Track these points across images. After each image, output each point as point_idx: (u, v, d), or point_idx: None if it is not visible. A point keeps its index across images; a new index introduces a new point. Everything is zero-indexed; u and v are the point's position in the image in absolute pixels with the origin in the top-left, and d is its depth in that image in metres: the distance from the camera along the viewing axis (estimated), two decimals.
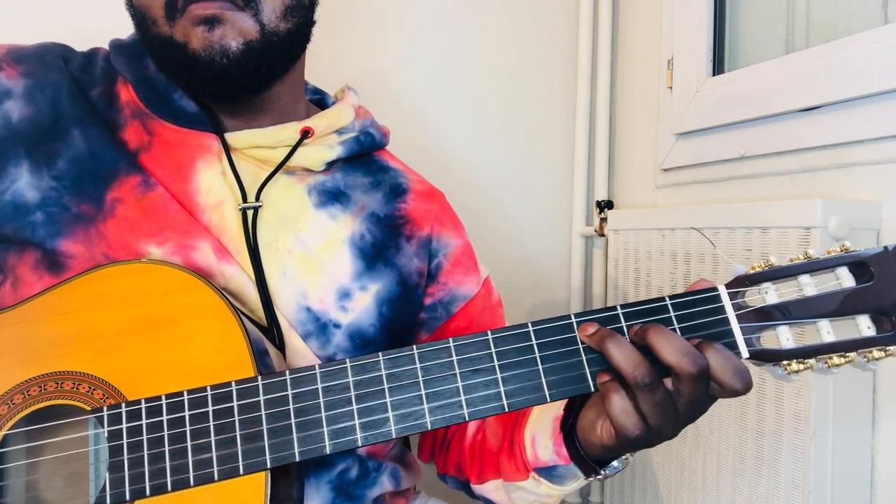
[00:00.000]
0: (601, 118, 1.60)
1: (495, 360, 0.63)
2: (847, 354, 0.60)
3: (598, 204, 1.59)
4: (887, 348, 0.59)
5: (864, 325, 0.60)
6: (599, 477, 0.72)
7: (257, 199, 0.79)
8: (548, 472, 0.75)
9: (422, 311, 0.89)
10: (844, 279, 0.62)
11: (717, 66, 1.32)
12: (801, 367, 0.61)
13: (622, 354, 0.60)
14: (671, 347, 0.59)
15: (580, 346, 0.63)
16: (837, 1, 1.17)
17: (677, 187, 1.40)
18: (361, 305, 0.81)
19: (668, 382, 0.61)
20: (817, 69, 1.05)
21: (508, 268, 1.59)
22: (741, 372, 0.60)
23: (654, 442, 0.64)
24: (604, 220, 1.51)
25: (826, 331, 0.61)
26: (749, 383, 0.60)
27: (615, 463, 0.71)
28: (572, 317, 0.63)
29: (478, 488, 0.86)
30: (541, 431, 0.75)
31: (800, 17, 1.24)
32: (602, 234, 1.52)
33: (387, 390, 0.62)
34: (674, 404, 0.61)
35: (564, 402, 0.74)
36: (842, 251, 0.62)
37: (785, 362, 0.61)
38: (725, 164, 1.26)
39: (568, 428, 0.72)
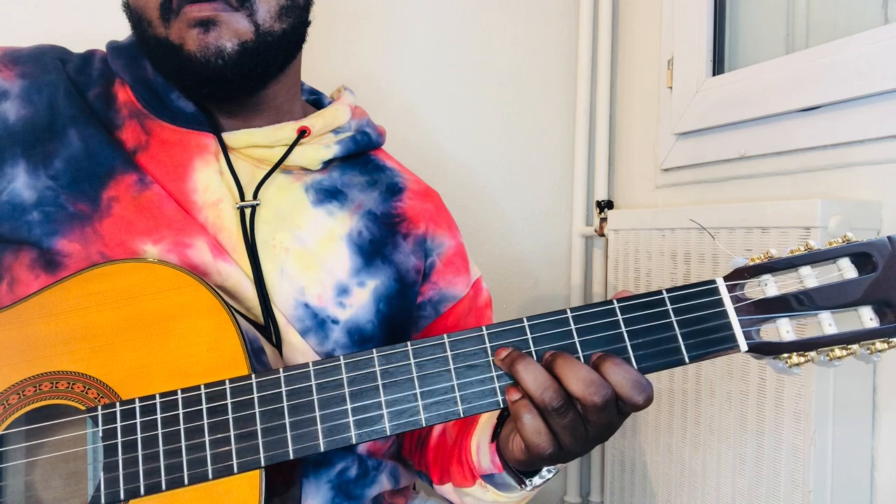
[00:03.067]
0: (601, 118, 1.60)
1: (490, 355, 0.62)
2: (849, 346, 0.59)
3: (598, 204, 1.59)
4: (890, 340, 0.58)
5: (866, 317, 0.59)
6: (528, 487, 0.72)
7: (255, 197, 0.79)
8: (491, 480, 0.75)
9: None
10: (847, 270, 0.61)
11: (717, 66, 1.32)
12: (802, 359, 0.60)
13: (530, 377, 0.60)
14: (575, 378, 0.59)
15: (576, 340, 0.62)
16: (837, 1, 1.17)
17: (677, 187, 1.40)
18: (359, 301, 0.81)
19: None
20: (817, 69, 1.05)
21: (508, 267, 1.59)
22: (641, 385, 0.59)
23: (566, 459, 0.64)
24: (604, 220, 1.51)
25: (828, 323, 0.60)
26: (649, 396, 0.60)
27: (544, 471, 0.71)
28: (568, 311, 0.63)
29: (438, 489, 0.86)
30: (483, 439, 0.75)
31: (800, 17, 1.24)
32: (602, 234, 1.52)
33: (381, 387, 0.62)
34: (584, 426, 0.61)
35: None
36: (844, 242, 0.61)
37: (785, 355, 0.60)
38: (725, 164, 1.26)
39: (498, 436, 0.73)
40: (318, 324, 0.79)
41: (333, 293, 0.80)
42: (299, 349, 0.77)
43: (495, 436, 0.73)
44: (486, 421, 0.77)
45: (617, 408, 0.61)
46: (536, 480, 0.71)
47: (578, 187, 1.62)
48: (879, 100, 0.96)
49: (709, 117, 1.27)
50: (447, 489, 0.84)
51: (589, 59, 1.60)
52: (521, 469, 0.70)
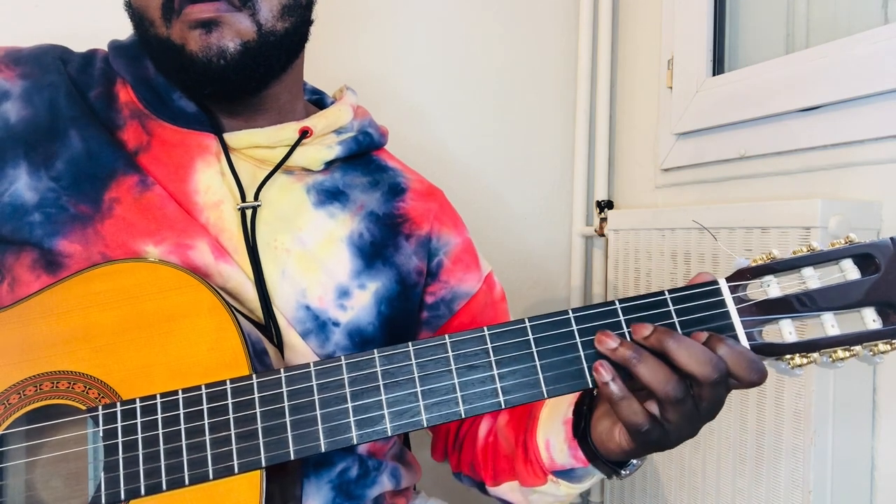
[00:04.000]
0: (601, 118, 1.60)
1: (491, 355, 0.62)
2: (852, 348, 0.59)
3: (598, 204, 1.59)
4: (893, 341, 0.58)
5: (869, 318, 0.59)
6: (623, 475, 0.72)
7: (256, 198, 0.79)
8: (566, 474, 0.75)
9: (423, 309, 0.89)
10: (849, 271, 0.61)
11: (717, 66, 1.32)
12: (805, 360, 0.60)
13: (650, 372, 0.59)
14: (692, 357, 0.59)
15: (578, 341, 0.62)
16: (837, 1, 1.17)
17: (677, 187, 1.40)
18: (360, 304, 0.81)
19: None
20: (817, 69, 1.05)
21: (508, 268, 1.59)
22: (755, 363, 0.60)
23: (676, 443, 0.64)
24: (604, 220, 1.51)
25: (830, 324, 0.60)
26: (764, 373, 0.60)
27: (635, 461, 0.71)
28: (569, 312, 0.63)
29: (493, 490, 0.86)
30: (554, 435, 0.75)
31: (800, 16, 1.24)
32: (602, 234, 1.52)
33: (382, 387, 0.62)
34: (697, 408, 0.61)
35: (572, 404, 0.74)
36: (846, 243, 0.61)
37: (788, 356, 0.60)
38: (725, 164, 1.26)
39: (581, 432, 0.72)
40: (318, 326, 0.79)
41: (334, 295, 0.80)
42: (300, 351, 0.77)
43: (577, 432, 0.72)
44: (549, 418, 0.77)
45: (726, 384, 0.61)
46: (636, 461, 0.71)
47: (578, 187, 1.62)
48: (879, 100, 0.97)
49: (709, 117, 1.27)
50: (504, 489, 0.83)
51: (589, 59, 1.60)
52: (619, 460, 0.70)
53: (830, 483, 0.95)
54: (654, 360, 0.60)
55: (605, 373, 0.61)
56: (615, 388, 0.61)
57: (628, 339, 0.62)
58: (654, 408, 0.61)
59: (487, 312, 0.93)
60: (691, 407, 0.61)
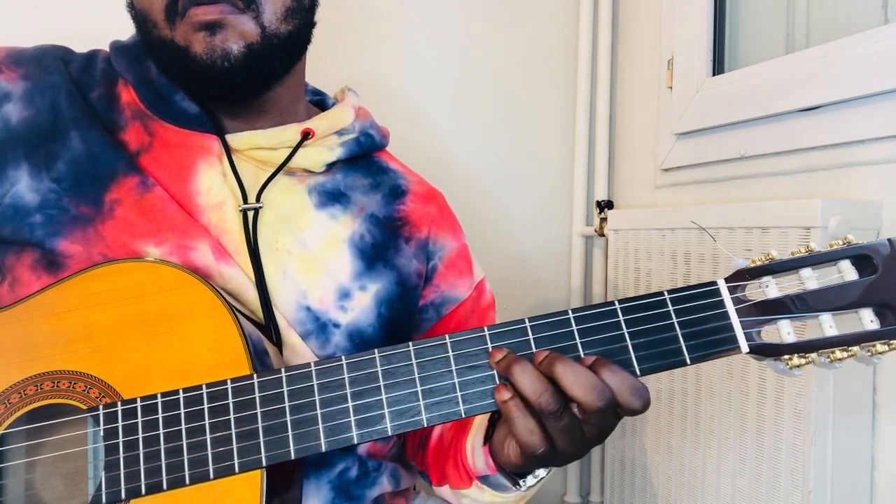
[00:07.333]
0: (601, 118, 1.60)
1: None
2: (850, 348, 0.59)
3: (598, 204, 1.59)
4: (891, 342, 0.59)
5: (867, 319, 0.60)
6: (522, 488, 0.72)
7: (258, 199, 0.79)
8: (486, 481, 0.75)
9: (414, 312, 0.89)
10: (847, 272, 0.61)
11: (717, 66, 1.32)
12: (803, 361, 0.60)
13: (527, 381, 0.60)
14: (577, 383, 0.59)
15: (577, 341, 0.62)
16: (837, 1, 1.17)
17: (677, 187, 1.40)
18: (361, 305, 0.81)
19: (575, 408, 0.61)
20: (817, 69, 1.05)
21: (508, 268, 1.59)
22: (639, 390, 0.60)
23: (562, 462, 0.65)
24: (604, 219, 1.51)
25: (828, 325, 0.60)
26: (647, 401, 0.61)
27: (539, 471, 0.71)
28: (569, 312, 0.63)
29: (437, 490, 0.87)
30: (477, 441, 0.75)
31: (800, 16, 1.24)
32: (602, 234, 1.52)
33: (382, 387, 0.62)
34: (581, 429, 0.61)
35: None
36: (844, 244, 0.61)
37: (786, 357, 0.60)
38: (725, 164, 1.26)
39: (490, 439, 0.73)
40: (319, 327, 0.79)
41: (335, 297, 0.80)
42: (300, 352, 0.77)
43: (487, 438, 0.73)
44: (480, 423, 0.77)
45: (614, 412, 0.61)
46: (530, 480, 0.72)
47: (578, 187, 1.62)
48: (879, 100, 0.97)
49: (709, 117, 1.27)
50: (445, 490, 0.84)
51: (589, 59, 1.60)
52: (517, 471, 0.70)
53: (830, 483, 0.95)
54: (532, 370, 0.60)
55: (504, 392, 0.61)
56: (512, 405, 0.61)
57: (626, 336, 0.62)
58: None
59: (473, 320, 0.94)
60: (574, 426, 0.61)
